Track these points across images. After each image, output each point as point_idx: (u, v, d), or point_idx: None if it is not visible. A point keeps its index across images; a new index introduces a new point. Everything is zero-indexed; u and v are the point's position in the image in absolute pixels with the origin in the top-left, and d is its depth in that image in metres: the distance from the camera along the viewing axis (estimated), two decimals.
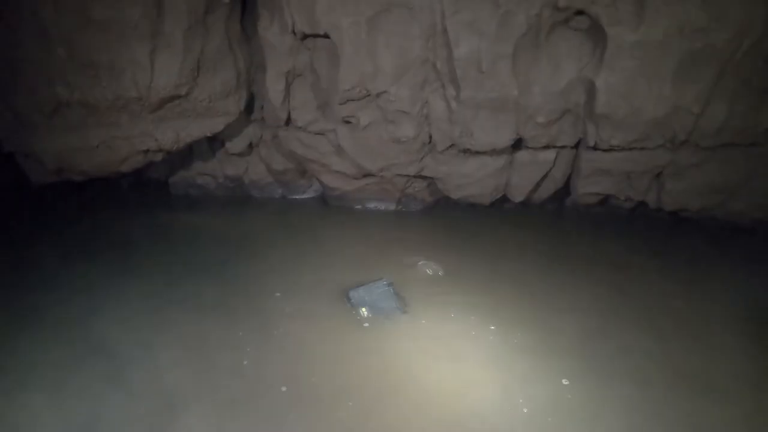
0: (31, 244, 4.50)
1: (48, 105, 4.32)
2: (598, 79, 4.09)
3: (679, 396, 2.89)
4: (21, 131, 4.51)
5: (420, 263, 4.23)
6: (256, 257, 4.35)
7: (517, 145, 4.68)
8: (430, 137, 4.69)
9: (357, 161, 4.86)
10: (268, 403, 2.82)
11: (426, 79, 4.42)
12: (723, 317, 3.56)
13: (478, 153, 4.67)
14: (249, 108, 5.02)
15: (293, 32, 4.45)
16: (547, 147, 4.68)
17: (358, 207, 5.35)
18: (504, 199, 5.10)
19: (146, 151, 4.72)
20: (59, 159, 4.61)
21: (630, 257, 4.36)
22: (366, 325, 3.48)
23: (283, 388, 2.91)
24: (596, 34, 4.05)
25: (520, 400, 2.84)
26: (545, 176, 4.85)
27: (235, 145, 5.23)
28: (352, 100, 4.52)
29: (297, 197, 5.62)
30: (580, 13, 4.03)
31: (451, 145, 4.67)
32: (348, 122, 4.70)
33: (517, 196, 4.98)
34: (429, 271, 4.12)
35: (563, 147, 4.70)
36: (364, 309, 3.60)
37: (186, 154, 5.36)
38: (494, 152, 4.65)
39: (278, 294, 3.81)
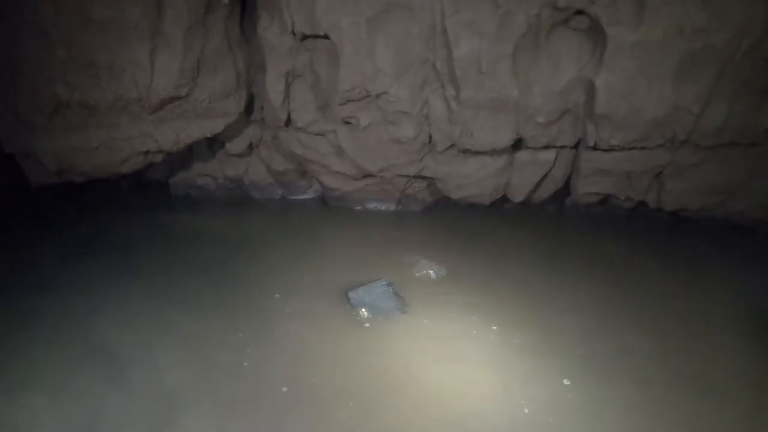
0: (31, 244, 4.50)
1: (48, 105, 4.32)
2: (597, 79, 4.10)
3: (679, 396, 2.89)
4: (21, 132, 4.51)
5: (420, 263, 4.22)
6: (256, 258, 4.35)
7: (517, 145, 4.68)
8: (430, 137, 4.69)
9: (357, 162, 4.86)
10: (268, 403, 2.82)
11: (426, 79, 4.42)
12: (723, 317, 3.56)
13: (478, 153, 4.67)
14: (249, 109, 5.02)
15: (293, 33, 4.46)
16: (547, 147, 4.68)
17: (358, 207, 5.35)
18: (504, 199, 5.10)
19: (146, 152, 4.72)
20: (59, 160, 4.61)
21: (630, 257, 4.36)
22: (367, 325, 3.48)
23: (284, 389, 2.91)
24: (596, 34, 4.06)
25: (521, 401, 2.84)
26: (545, 176, 4.86)
27: (235, 145, 5.23)
28: (352, 100, 4.52)
29: (297, 198, 5.62)
30: (579, 13, 4.03)
31: (451, 146, 4.67)
32: (348, 123, 4.71)
33: (517, 196, 4.98)
34: (429, 271, 4.12)
35: (563, 147, 4.70)
36: (363, 309, 3.60)
37: (186, 155, 5.36)
38: (494, 152, 4.65)
39: (278, 294, 3.81)
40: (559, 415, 2.75)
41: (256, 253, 4.44)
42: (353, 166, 4.93)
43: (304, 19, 4.31)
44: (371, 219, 5.18)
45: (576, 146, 4.70)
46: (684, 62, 3.96)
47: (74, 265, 4.13)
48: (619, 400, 2.85)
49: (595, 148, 4.54)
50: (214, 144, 5.34)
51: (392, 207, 5.30)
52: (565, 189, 5.04)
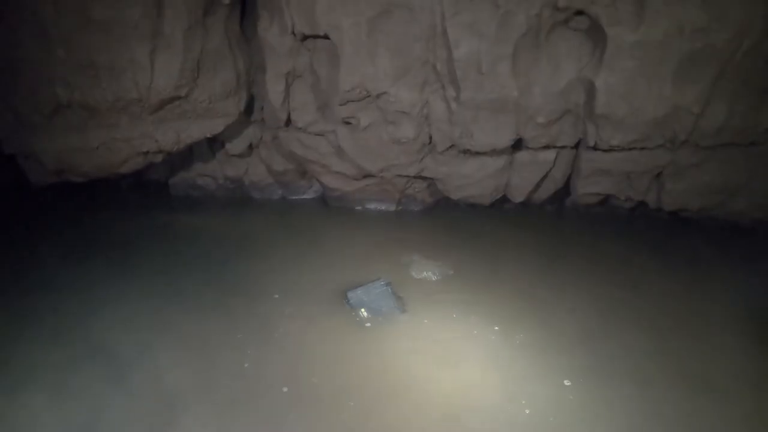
0: (31, 244, 4.50)
1: (48, 106, 4.32)
2: (597, 79, 4.10)
3: (679, 396, 2.89)
4: (21, 132, 4.51)
5: (420, 263, 4.23)
6: (257, 258, 4.36)
7: (517, 145, 4.68)
8: (430, 138, 4.69)
9: (357, 162, 4.86)
10: (268, 403, 2.82)
11: (426, 80, 4.42)
12: (723, 317, 3.56)
13: (478, 153, 4.67)
14: (249, 109, 5.02)
15: (293, 33, 4.46)
16: (547, 147, 4.69)
17: (358, 208, 5.35)
18: (504, 199, 5.10)
19: (146, 153, 4.71)
20: (59, 160, 4.61)
21: (630, 257, 4.36)
22: (368, 325, 3.48)
23: (284, 389, 2.92)
24: (596, 34, 4.06)
25: (522, 401, 2.84)
26: (545, 176, 4.86)
27: (235, 146, 5.23)
28: (352, 101, 4.52)
29: (297, 198, 5.62)
30: (579, 13, 4.03)
31: (451, 146, 4.67)
32: (348, 123, 4.71)
33: (517, 196, 4.98)
34: (429, 272, 4.12)
35: (563, 147, 4.70)
36: (363, 310, 3.60)
37: (186, 156, 5.36)
38: (494, 153, 4.65)
39: (279, 295, 3.81)
40: (560, 415, 2.76)
41: (256, 253, 4.44)
42: (353, 167, 4.93)
43: (305, 19, 4.31)
44: (371, 219, 5.18)
45: (576, 146, 4.70)
46: (684, 62, 3.96)
47: (74, 265, 4.13)
48: (619, 401, 2.85)
49: (595, 148, 4.54)
50: (214, 144, 5.34)
51: (392, 207, 5.30)
52: (565, 189, 5.04)
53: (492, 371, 3.08)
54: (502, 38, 4.08)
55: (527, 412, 2.78)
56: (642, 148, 4.46)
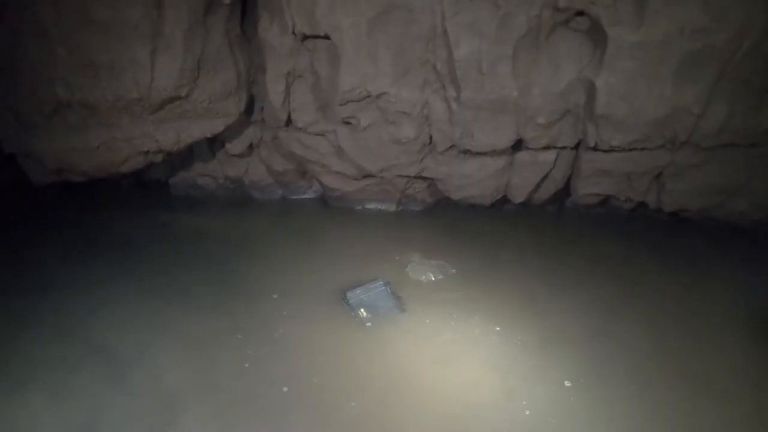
0: (31, 244, 4.50)
1: (48, 105, 4.31)
2: (598, 79, 4.10)
3: (679, 396, 2.89)
4: (21, 132, 4.50)
5: (421, 264, 4.23)
6: (257, 258, 4.36)
7: (518, 146, 4.68)
8: (431, 138, 4.69)
9: (357, 162, 4.86)
10: (269, 403, 2.82)
11: (426, 80, 4.42)
12: (723, 317, 3.56)
13: (478, 154, 4.67)
14: (249, 109, 5.02)
15: (293, 33, 4.46)
16: (547, 148, 4.69)
17: (359, 208, 5.35)
18: (504, 199, 5.10)
19: (147, 152, 4.71)
20: (59, 159, 4.61)
21: (630, 258, 4.36)
22: (368, 324, 3.49)
23: (284, 389, 2.92)
24: (596, 34, 4.06)
25: (523, 402, 2.84)
26: (545, 177, 4.86)
27: (236, 146, 5.23)
28: (353, 101, 4.52)
29: (297, 198, 5.62)
30: (580, 13, 4.03)
31: (452, 146, 4.67)
32: (348, 123, 4.71)
33: (518, 196, 4.99)
34: (430, 272, 4.12)
35: (563, 148, 4.70)
36: (362, 310, 3.60)
37: (186, 155, 5.36)
38: (494, 153, 4.65)
39: (279, 295, 3.81)
40: (560, 416, 2.76)
41: (257, 253, 4.44)
42: (353, 167, 4.93)
43: (305, 19, 4.31)
44: (371, 219, 5.18)
45: (576, 147, 4.71)
46: (684, 63, 3.96)
47: (74, 265, 4.13)
48: (619, 401, 2.85)
49: (595, 148, 4.54)
50: (214, 144, 5.34)
51: (392, 207, 5.30)
52: (566, 190, 5.05)
53: (492, 371, 3.08)
54: (502, 38, 4.08)
55: (527, 412, 2.78)
56: (642, 149, 4.46)
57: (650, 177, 4.67)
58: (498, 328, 3.44)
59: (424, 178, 5.04)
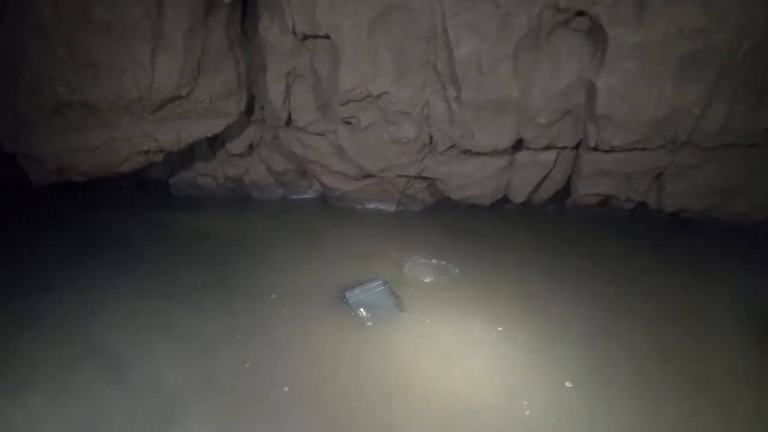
0: (31, 244, 4.49)
1: (48, 105, 4.31)
2: (598, 80, 4.10)
3: (679, 396, 2.89)
4: (21, 131, 4.50)
5: (421, 264, 4.23)
6: (257, 258, 4.35)
7: (518, 146, 4.68)
8: (431, 138, 4.69)
9: (357, 162, 4.86)
10: (269, 403, 2.82)
11: (427, 80, 4.42)
12: (723, 317, 3.57)
13: (478, 154, 4.67)
14: (249, 109, 5.02)
15: (294, 33, 4.46)
16: (547, 148, 4.69)
17: (359, 207, 5.34)
18: (505, 199, 5.10)
19: (147, 152, 4.71)
20: (59, 159, 4.60)
21: (630, 258, 4.36)
22: (369, 324, 3.49)
23: (285, 389, 2.92)
24: (597, 35, 4.06)
25: (524, 402, 2.85)
26: (546, 177, 4.86)
27: (236, 145, 5.23)
28: (353, 101, 4.52)
29: (297, 198, 5.62)
30: (580, 14, 4.03)
31: (452, 146, 4.67)
32: (348, 123, 4.71)
33: (518, 196, 4.99)
34: (430, 272, 4.12)
35: (564, 148, 4.70)
36: (362, 309, 3.60)
37: (187, 155, 5.35)
38: (495, 153, 4.65)
39: (279, 295, 3.81)
40: (561, 416, 2.76)
41: (257, 253, 4.44)
42: (353, 166, 4.93)
43: (305, 19, 4.31)
44: (371, 219, 5.18)
45: (577, 147, 4.71)
46: (684, 63, 3.97)
47: (74, 265, 4.12)
48: (619, 401, 2.85)
49: (595, 149, 4.54)
50: (214, 144, 5.33)
51: (392, 207, 5.30)
52: (566, 190, 5.05)
53: (493, 371, 3.08)
54: (502, 38, 4.08)
55: (527, 413, 2.78)
56: (642, 149, 4.47)
57: (650, 177, 4.67)
58: (500, 328, 3.44)
59: (425, 178, 5.04)
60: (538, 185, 4.92)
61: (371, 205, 5.33)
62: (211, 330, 3.40)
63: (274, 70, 4.66)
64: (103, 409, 2.76)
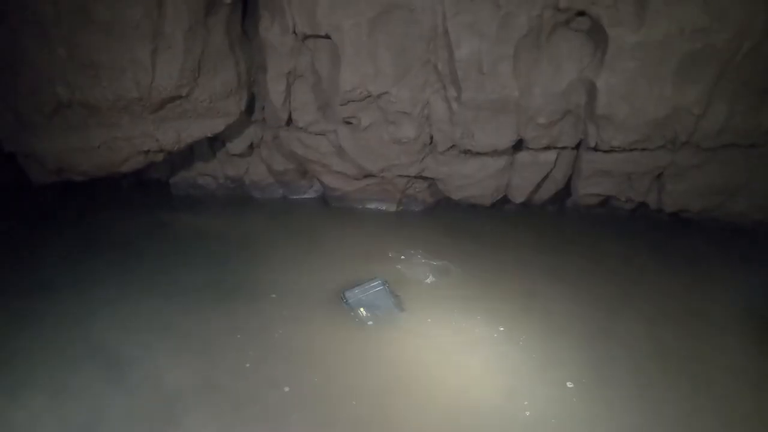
0: (31, 244, 4.49)
1: (48, 105, 4.31)
2: (599, 80, 4.10)
3: (679, 396, 2.90)
4: (21, 131, 4.50)
5: (421, 264, 4.23)
6: (257, 258, 4.35)
7: (518, 146, 4.68)
8: (431, 138, 4.69)
9: (358, 162, 4.86)
10: (270, 403, 2.82)
11: (427, 80, 4.42)
12: (723, 317, 3.57)
13: (479, 154, 4.67)
14: (250, 109, 5.02)
15: (294, 33, 4.46)
16: (547, 148, 4.69)
17: (359, 207, 5.34)
18: (505, 200, 5.10)
19: (147, 152, 4.71)
20: (60, 159, 4.60)
21: (631, 258, 4.36)
22: (370, 323, 3.49)
23: (286, 389, 2.92)
24: (597, 35, 4.06)
25: (525, 402, 2.84)
26: (546, 177, 4.86)
27: (236, 145, 5.23)
28: (353, 101, 4.52)
29: (298, 198, 5.62)
30: (581, 14, 4.03)
31: (452, 146, 4.67)
32: (349, 123, 4.71)
33: (518, 197, 4.99)
34: (430, 272, 4.12)
35: (564, 148, 4.70)
36: (362, 309, 3.60)
37: (187, 155, 5.35)
38: (495, 153, 4.65)
39: (279, 295, 3.81)
40: (562, 417, 2.76)
41: (257, 253, 4.44)
42: (354, 166, 4.93)
43: (306, 19, 4.31)
44: (372, 219, 5.18)
45: (577, 147, 4.71)
46: (684, 63, 3.97)
47: (74, 265, 4.12)
48: (620, 402, 2.86)
49: (596, 149, 4.54)
50: (215, 143, 5.33)
51: (393, 207, 5.30)
52: (566, 190, 5.05)
53: (493, 372, 3.08)
54: (503, 38, 4.08)
55: (527, 414, 2.78)
56: (643, 149, 4.47)
57: (651, 177, 4.67)
58: (502, 328, 3.44)
59: (425, 178, 5.04)
60: (539, 185, 4.92)
61: (371, 205, 5.33)
62: (211, 330, 3.40)
63: (275, 70, 4.66)
64: (103, 409, 2.76)
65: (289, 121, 4.96)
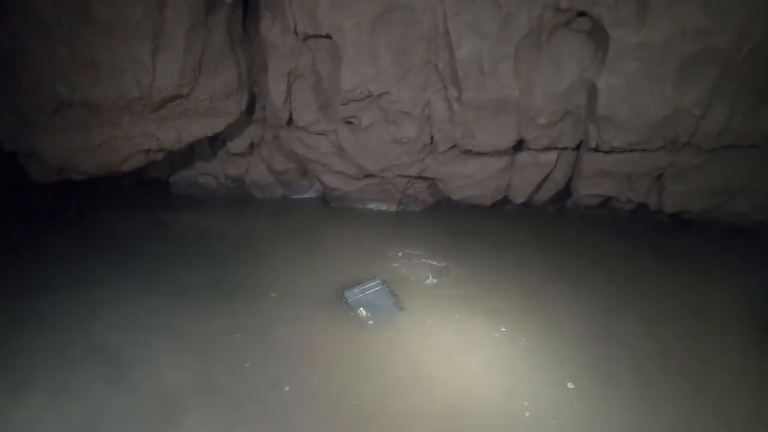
0: (31, 244, 4.49)
1: (49, 105, 4.30)
2: (599, 80, 4.10)
3: (679, 396, 2.90)
4: (22, 131, 4.49)
5: (421, 264, 4.23)
6: (257, 257, 4.35)
7: (519, 146, 4.68)
8: (432, 138, 4.69)
9: (358, 162, 4.86)
10: (270, 403, 2.82)
11: (428, 80, 4.42)
12: (723, 317, 3.57)
13: (479, 154, 4.67)
14: (250, 108, 5.02)
15: (295, 33, 4.46)
16: (548, 148, 4.69)
17: (359, 207, 5.34)
18: (505, 200, 5.10)
19: (148, 151, 4.71)
20: (60, 158, 4.60)
21: (631, 258, 4.36)
22: (370, 323, 3.48)
23: (286, 388, 2.92)
24: (598, 35, 4.06)
25: (525, 403, 2.84)
26: (546, 177, 4.86)
27: (237, 145, 5.23)
28: (354, 100, 4.52)
29: (298, 197, 5.62)
30: (582, 14, 4.03)
31: (453, 146, 4.67)
32: (349, 123, 4.71)
33: (519, 197, 4.99)
34: (430, 272, 4.12)
35: (564, 148, 4.71)
36: (362, 309, 3.60)
37: (187, 154, 5.35)
38: (496, 153, 4.66)
39: (279, 294, 3.81)
40: (562, 417, 2.76)
41: (257, 253, 4.43)
42: (354, 166, 4.93)
43: (307, 19, 4.31)
44: (372, 219, 5.18)
45: (577, 148, 4.71)
46: (685, 64, 3.97)
47: (74, 265, 4.12)
48: (620, 402, 2.86)
49: (596, 149, 4.54)
50: (215, 143, 5.33)
51: (393, 207, 5.30)
52: (567, 190, 5.05)
53: (494, 372, 3.08)
54: (503, 39, 4.08)
55: (527, 414, 2.78)
56: (643, 150, 4.47)
57: (651, 178, 4.67)
58: (503, 329, 3.44)
59: (425, 178, 5.04)
60: (539, 186, 4.92)
61: (372, 205, 5.33)
62: (211, 330, 3.40)
63: (276, 70, 4.66)
64: (103, 409, 2.76)
65: (290, 121, 4.96)
